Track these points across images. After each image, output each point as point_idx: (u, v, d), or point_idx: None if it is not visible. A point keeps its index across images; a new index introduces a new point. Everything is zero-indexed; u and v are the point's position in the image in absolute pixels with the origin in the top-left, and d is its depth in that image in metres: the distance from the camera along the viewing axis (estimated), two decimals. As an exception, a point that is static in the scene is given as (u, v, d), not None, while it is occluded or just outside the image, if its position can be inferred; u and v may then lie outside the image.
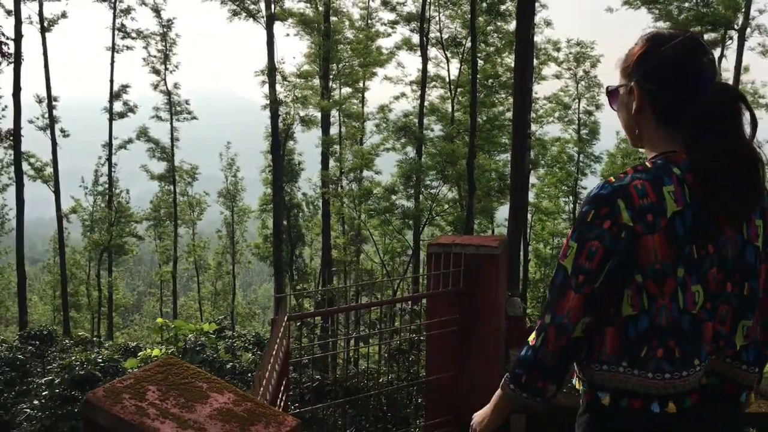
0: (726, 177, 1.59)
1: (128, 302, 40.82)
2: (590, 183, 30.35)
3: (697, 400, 1.66)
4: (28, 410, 6.40)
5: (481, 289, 4.24)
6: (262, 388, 2.98)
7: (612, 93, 1.84)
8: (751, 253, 1.67)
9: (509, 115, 25.63)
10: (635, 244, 1.59)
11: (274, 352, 3.47)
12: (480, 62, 24.29)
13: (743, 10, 21.66)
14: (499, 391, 1.89)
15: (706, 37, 23.96)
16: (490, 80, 25.31)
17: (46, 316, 38.08)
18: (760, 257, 1.69)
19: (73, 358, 6.94)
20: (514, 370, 1.78)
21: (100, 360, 6.74)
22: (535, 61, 27.92)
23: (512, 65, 24.21)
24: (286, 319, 4.16)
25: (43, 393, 6.53)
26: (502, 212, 26.31)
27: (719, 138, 1.61)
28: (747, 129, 1.65)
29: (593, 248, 1.62)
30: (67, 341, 11.10)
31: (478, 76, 22.39)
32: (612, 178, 1.67)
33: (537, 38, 27.88)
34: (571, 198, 30.19)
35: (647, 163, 1.68)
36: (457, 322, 4.13)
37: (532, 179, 25.24)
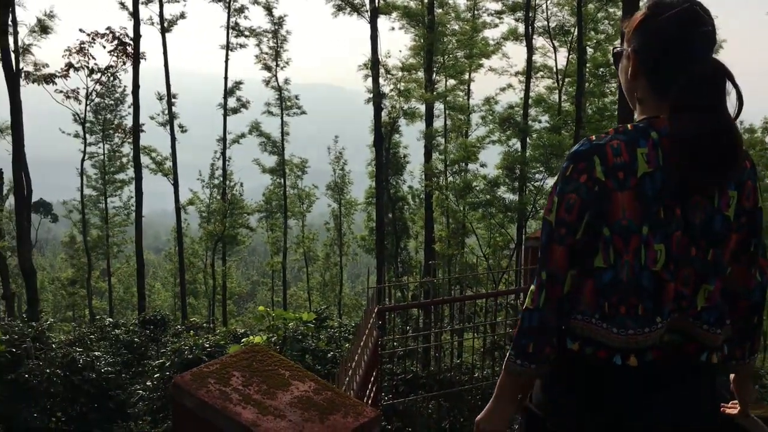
0: (699, 147, 1.63)
1: (242, 291, 42.46)
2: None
3: (659, 356, 1.70)
4: (141, 391, 6.80)
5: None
6: (347, 378, 3.04)
7: (616, 56, 1.90)
8: (719, 222, 1.70)
9: (620, 104, 24.63)
10: (606, 199, 1.66)
11: (362, 343, 3.54)
12: (589, 50, 23.48)
13: None
14: (502, 377, 1.89)
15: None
16: (601, 69, 24.40)
17: (168, 302, 40.27)
18: (729, 226, 1.72)
19: (183, 342, 7.32)
20: (519, 343, 1.79)
21: (207, 345, 7.07)
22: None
23: (624, 53, 23.26)
24: (377, 310, 4.22)
25: (155, 375, 6.94)
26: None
27: (700, 110, 1.65)
28: (732, 107, 1.70)
29: (571, 201, 1.69)
30: (180, 326, 11.67)
31: (587, 65, 21.65)
32: (593, 136, 1.73)
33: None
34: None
35: (629, 126, 1.73)
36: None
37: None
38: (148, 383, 7.09)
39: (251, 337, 5.53)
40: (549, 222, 1.74)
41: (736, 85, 1.69)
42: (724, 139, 1.65)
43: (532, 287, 1.77)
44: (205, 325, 14.79)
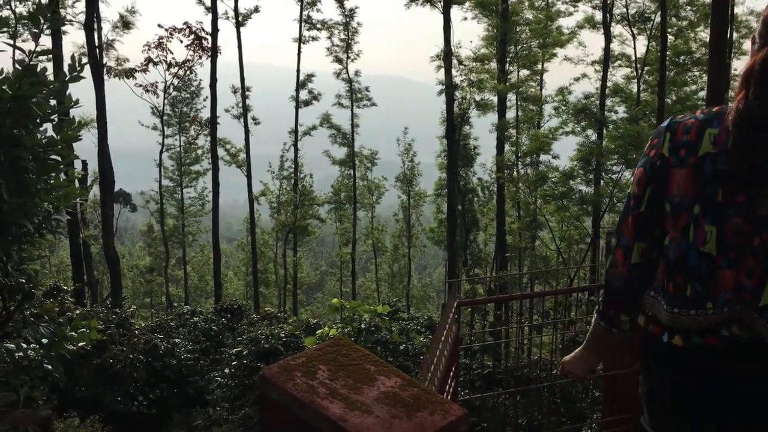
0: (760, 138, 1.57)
1: (311, 281, 43.04)
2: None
3: (714, 343, 1.66)
4: (219, 378, 6.95)
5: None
6: (429, 374, 2.98)
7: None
8: None
9: (703, 94, 23.72)
10: (665, 174, 1.70)
11: (443, 338, 3.47)
12: (670, 38, 22.62)
13: None
14: (590, 331, 2.00)
15: None
16: (682, 57, 23.51)
17: (240, 291, 41.16)
18: None
19: (260, 331, 7.43)
20: (600, 302, 1.90)
21: (283, 335, 7.15)
22: (735, 35, 25.51)
23: (707, 40, 22.34)
24: (455, 304, 4.15)
25: (233, 363, 7.07)
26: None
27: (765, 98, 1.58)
28: None
29: (639, 174, 1.78)
30: (255, 315, 11.87)
31: (668, 52, 20.87)
32: (680, 115, 1.75)
33: (737, 9, 25.45)
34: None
35: (717, 107, 1.73)
36: (639, 315, 3.88)
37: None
38: (226, 371, 7.23)
39: (326, 329, 5.54)
40: (629, 194, 1.82)
41: None
42: None
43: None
44: (279, 314, 15.02)
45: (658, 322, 1.74)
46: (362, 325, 5.55)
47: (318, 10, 31.12)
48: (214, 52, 24.28)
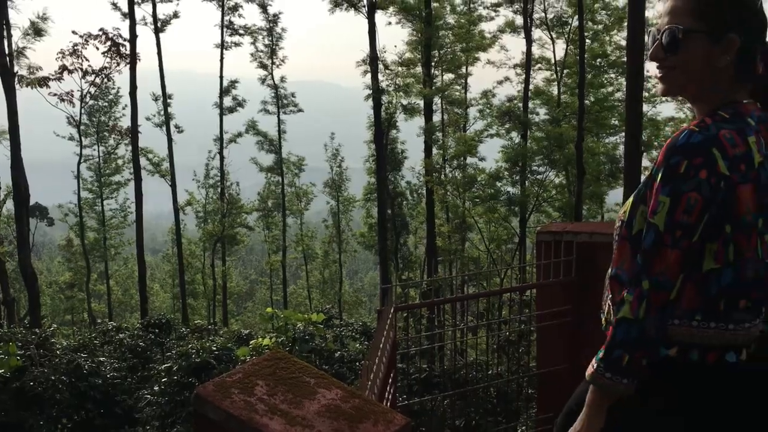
0: None
1: (241, 290, 42.48)
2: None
3: (760, 346, 1.64)
4: (148, 396, 6.72)
5: (596, 279, 4.04)
6: (370, 382, 2.93)
7: (678, 38, 1.66)
8: None
9: (619, 95, 24.62)
10: (732, 194, 1.56)
11: (381, 344, 3.43)
12: (587, 41, 23.38)
13: None
14: (590, 394, 1.73)
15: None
16: (599, 60, 24.32)
17: (167, 303, 40.24)
18: None
19: (190, 345, 7.24)
20: (611, 355, 1.64)
21: (215, 348, 6.99)
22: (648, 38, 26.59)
23: (622, 43, 23.18)
24: (392, 309, 4.12)
25: (163, 379, 6.85)
26: (612, 197, 25.37)
27: None
28: None
29: (692, 200, 1.55)
30: (184, 329, 11.59)
31: (585, 55, 21.56)
32: (694, 127, 1.58)
33: (649, 13, 26.48)
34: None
35: (723, 113, 1.61)
36: (570, 313, 3.95)
37: (645, 161, 24.20)
38: (155, 388, 7.00)
39: (260, 339, 5.44)
40: (655, 225, 1.59)
41: None
42: None
43: (628, 296, 1.62)
44: (209, 327, 14.74)
45: (712, 348, 1.61)
46: (296, 335, 5.46)
47: (240, 16, 30.77)
48: (132, 59, 23.57)
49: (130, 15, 23.64)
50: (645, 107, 27.51)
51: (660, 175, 1.59)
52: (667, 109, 28.79)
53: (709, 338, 1.61)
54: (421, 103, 25.65)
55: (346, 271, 46.58)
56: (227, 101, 30.61)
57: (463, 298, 4.60)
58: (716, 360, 1.61)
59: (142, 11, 27.68)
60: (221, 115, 30.31)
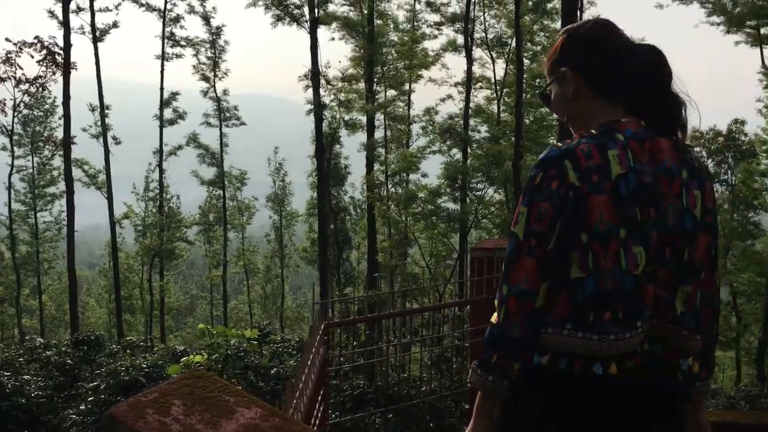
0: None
1: (181, 305, 41.62)
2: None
3: (640, 363, 1.65)
4: (74, 416, 6.49)
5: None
6: (295, 400, 2.92)
7: (546, 96, 1.92)
8: (689, 221, 1.71)
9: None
10: (582, 203, 1.62)
11: (309, 362, 3.42)
12: (526, 62, 23.94)
13: (805, 1, 20.75)
14: (478, 398, 1.78)
15: (763, 31, 23.14)
16: (537, 80, 24.93)
17: (103, 319, 39.10)
18: (698, 226, 1.73)
19: (119, 363, 7.03)
20: (483, 355, 1.72)
21: (145, 366, 6.81)
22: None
23: (560, 64, 23.76)
24: (323, 326, 4.11)
25: (89, 398, 6.62)
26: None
27: (656, 93, 1.74)
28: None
29: (542, 209, 1.64)
30: (114, 346, 11.26)
31: (524, 75, 22.06)
32: (559, 143, 1.70)
33: (585, 36, 27.37)
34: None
35: (594, 131, 1.72)
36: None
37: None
38: (82, 407, 6.77)
39: (191, 357, 5.33)
40: (516, 234, 1.68)
41: (668, 66, 1.77)
42: (675, 104, 1.76)
43: (497, 302, 1.71)
44: (141, 343, 14.34)
45: (578, 357, 1.64)
46: (229, 351, 5.38)
47: (182, 27, 30.35)
48: (66, 68, 22.93)
49: (65, 23, 23.06)
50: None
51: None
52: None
53: (577, 348, 1.62)
54: (364, 118, 25.78)
55: (289, 286, 46.21)
56: (168, 113, 30.18)
57: (397, 314, 4.62)
58: (583, 370, 1.63)
59: (81, 20, 27.11)
60: (161, 127, 29.81)
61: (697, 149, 29.80)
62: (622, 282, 1.61)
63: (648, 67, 1.75)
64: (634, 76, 1.74)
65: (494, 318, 1.70)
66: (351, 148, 29.44)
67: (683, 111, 1.76)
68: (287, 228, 37.36)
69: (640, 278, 1.63)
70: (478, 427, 1.77)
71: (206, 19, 29.89)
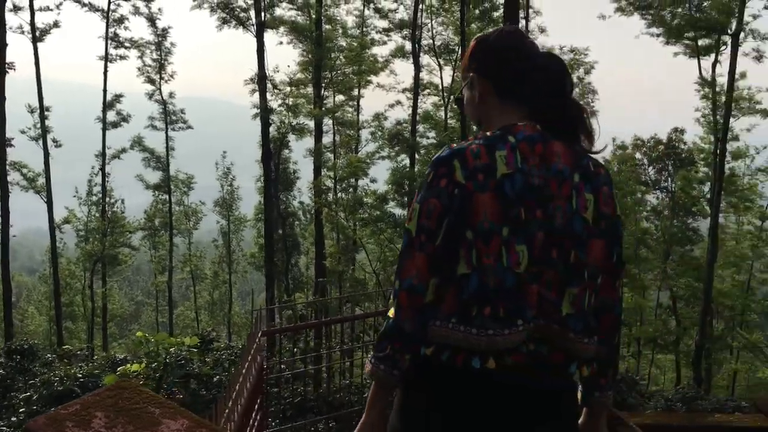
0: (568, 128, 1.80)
1: (125, 312, 40.66)
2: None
3: (520, 360, 1.69)
4: (5, 428, 6.26)
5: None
6: (227, 410, 2.88)
7: (460, 100, 2.01)
8: (578, 224, 1.74)
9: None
10: (467, 201, 1.68)
11: (244, 370, 3.39)
12: (473, 69, 24.17)
13: (737, 15, 21.49)
14: (372, 387, 1.85)
15: (700, 42, 23.96)
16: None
17: (43, 327, 37.92)
18: (589, 230, 1.75)
19: (53, 373, 6.82)
20: (379, 344, 1.78)
21: (80, 375, 6.62)
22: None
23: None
24: (260, 333, 4.08)
25: (20, 410, 6.40)
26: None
27: (554, 101, 1.80)
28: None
29: (431, 206, 1.70)
30: (50, 355, 10.91)
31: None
32: (454, 144, 1.78)
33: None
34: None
35: (489, 133, 1.79)
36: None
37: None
38: (14, 418, 6.53)
39: (128, 366, 5.22)
40: (409, 230, 1.74)
41: (569, 75, 1.85)
42: (575, 110, 1.82)
43: (391, 296, 1.77)
44: (79, 352, 13.92)
45: (460, 350, 1.69)
46: (168, 359, 5.28)
47: (126, 29, 29.75)
48: (1, 68, 22.16)
49: (0, 22, 22.31)
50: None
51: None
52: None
53: (458, 341, 1.68)
54: (312, 123, 25.69)
55: (238, 292, 45.70)
56: (111, 116, 29.47)
57: (338, 320, 4.62)
58: (464, 364, 1.68)
59: (20, 19, 26.30)
60: (104, 129, 29.06)
61: (639, 156, 30.81)
62: (503, 279, 1.67)
63: (549, 75, 1.82)
64: (535, 83, 1.81)
65: (391, 312, 1.76)
66: (301, 152, 29.32)
67: (585, 118, 1.82)
68: (235, 233, 36.96)
69: (524, 277, 1.68)
70: (371, 414, 1.82)
71: (152, 20, 29.38)
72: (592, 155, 1.83)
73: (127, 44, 29.29)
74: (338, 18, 27.09)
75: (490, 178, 1.68)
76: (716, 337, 25.04)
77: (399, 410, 1.82)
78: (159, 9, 29.53)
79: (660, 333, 27.54)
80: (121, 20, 28.90)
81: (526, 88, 1.82)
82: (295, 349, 6.07)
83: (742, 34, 21.91)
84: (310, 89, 25.74)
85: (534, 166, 1.72)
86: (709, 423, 4.88)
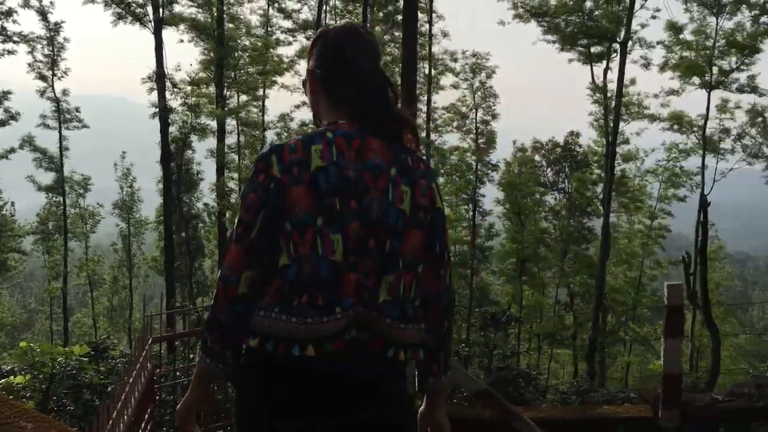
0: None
1: (16, 321, 38.56)
2: (489, 191, 31.07)
3: (342, 348, 1.75)
4: None
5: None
6: (111, 421, 2.80)
7: (304, 83, 2.06)
8: (393, 215, 1.81)
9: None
10: (283, 194, 1.76)
11: (131, 379, 3.29)
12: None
13: (625, 24, 22.67)
14: (196, 370, 1.92)
15: (593, 50, 25.08)
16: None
17: (-75, 338, 35.48)
18: (406, 220, 1.83)
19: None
20: (201, 334, 1.86)
21: (-43, 390, 6.23)
22: (433, 71, 28.42)
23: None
24: (150, 341, 3.98)
25: None
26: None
27: (376, 101, 1.88)
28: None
29: (250, 200, 1.79)
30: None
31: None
32: (277, 141, 1.88)
33: (435, 48, 28.38)
34: (471, 206, 30.73)
35: (311, 131, 1.87)
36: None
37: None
38: None
39: (10, 378, 4.97)
40: (233, 223, 1.85)
41: (393, 88, 1.93)
42: (397, 116, 1.90)
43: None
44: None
45: (282, 339, 1.73)
46: (55, 370, 5.06)
47: (15, 22, 28.07)
48: None
49: None
50: (433, 136, 29.35)
51: None
52: (452, 139, 30.76)
53: (280, 330, 1.73)
54: (214, 123, 25.13)
55: (140, 298, 44.19)
56: (-2, 113, 27.80)
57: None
58: (285, 352, 1.73)
59: None
60: (-11, 128, 27.44)
61: (538, 159, 31.92)
62: (319, 268, 1.74)
63: (369, 75, 1.91)
64: (357, 83, 1.89)
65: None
66: (204, 153, 28.67)
67: (402, 118, 1.91)
68: (136, 236, 35.72)
69: (341, 266, 1.75)
70: (191, 397, 1.90)
71: (43, 14, 27.88)
72: (414, 152, 1.92)
73: (15, 38, 27.68)
74: (241, 17, 26.62)
75: (305, 171, 1.76)
76: (609, 332, 26.28)
77: (235, 403, 1.88)
78: (51, 2, 28.08)
79: (558, 329, 28.66)
80: (9, 13, 27.19)
81: (348, 87, 1.89)
82: (192, 356, 5.93)
83: (630, 43, 23.13)
84: (212, 89, 25.15)
85: (350, 161, 1.80)
86: (599, 414, 5.11)
